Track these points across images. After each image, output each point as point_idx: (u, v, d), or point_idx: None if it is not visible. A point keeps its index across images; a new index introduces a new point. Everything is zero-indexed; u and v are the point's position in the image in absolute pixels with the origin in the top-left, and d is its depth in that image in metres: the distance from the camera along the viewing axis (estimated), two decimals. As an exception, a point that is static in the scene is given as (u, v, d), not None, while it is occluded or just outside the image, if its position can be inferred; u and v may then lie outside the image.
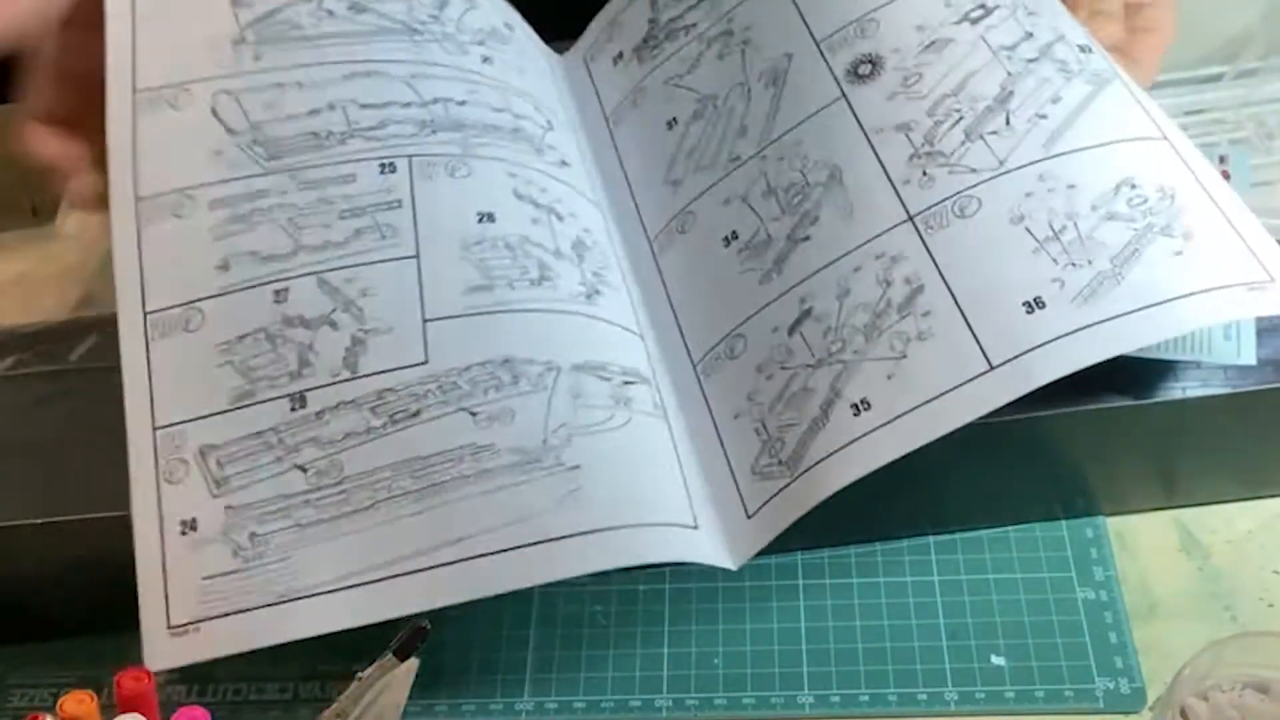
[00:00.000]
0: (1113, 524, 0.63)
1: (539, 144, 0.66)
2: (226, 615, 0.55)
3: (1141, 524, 0.63)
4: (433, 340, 0.59)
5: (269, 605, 0.55)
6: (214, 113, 0.63)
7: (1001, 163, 0.58)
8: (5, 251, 0.77)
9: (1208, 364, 0.60)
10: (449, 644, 0.61)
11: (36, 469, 0.62)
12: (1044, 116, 0.59)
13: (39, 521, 0.59)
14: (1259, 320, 0.61)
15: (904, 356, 0.56)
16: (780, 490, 0.57)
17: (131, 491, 0.58)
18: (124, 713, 0.50)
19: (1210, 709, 0.53)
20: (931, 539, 0.63)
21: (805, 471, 0.56)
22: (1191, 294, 0.54)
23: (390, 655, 0.51)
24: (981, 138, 0.59)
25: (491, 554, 0.55)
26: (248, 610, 0.55)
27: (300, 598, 0.55)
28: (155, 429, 0.59)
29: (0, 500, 0.60)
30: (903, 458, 0.60)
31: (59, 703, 0.50)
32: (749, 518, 0.57)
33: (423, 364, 0.58)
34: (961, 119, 0.60)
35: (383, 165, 0.62)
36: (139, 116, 0.63)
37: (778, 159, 0.63)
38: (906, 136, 0.60)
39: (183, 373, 0.59)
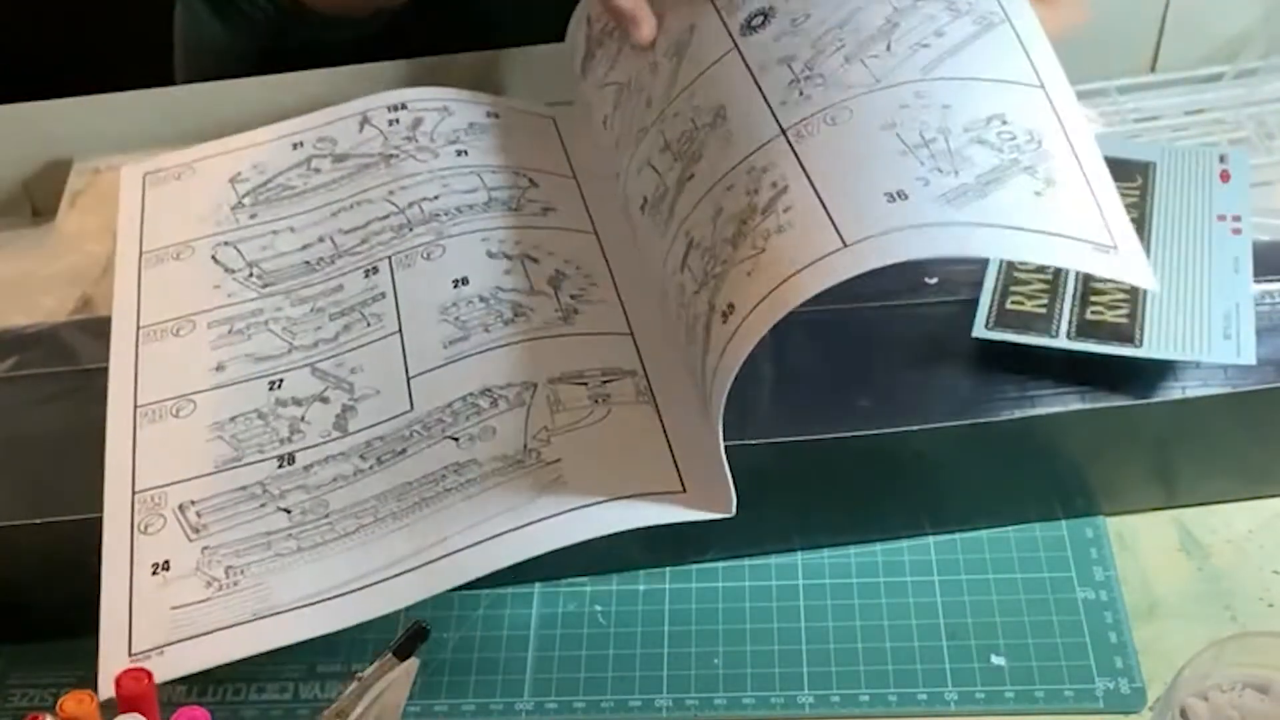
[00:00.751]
0: (1113, 524, 0.63)
1: (515, 204, 0.69)
2: (194, 638, 0.56)
3: (1141, 524, 0.63)
4: (416, 391, 0.61)
5: (241, 624, 0.56)
6: (214, 259, 0.69)
7: (878, 80, 0.58)
8: (5, 251, 0.77)
9: (1207, 364, 0.60)
10: (449, 644, 0.61)
11: (36, 469, 0.62)
12: (926, 45, 0.59)
13: (39, 521, 0.59)
14: (1259, 320, 0.61)
15: (763, 251, 0.55)
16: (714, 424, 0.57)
17: (104, 541, 0.58)
18: (124, 713, 0.50)
19: (1210, 709, 0.53)
20: (931, 539, 0.63)
21: (711, 395, 0.56)
22: (1045, 232, 0.54)
23: (390, 655, 0.51)
24: (861, 61, 0.59)
25: (478, 543, 0.56)
26: (217, 630, 0.56)
27: (276, 613, 0.56)
28: (135, 492, 0.60)
29: (0, 500, 0.60)
30: (902, 458, 0.60)
31: (59, 703, 0.50)
32: (721, 465, 0.57)
33: (408, 412, 0.61)
34: (843, 46, 0.60)
35: (366, 271, 0.67)
36: (144, 270, 0.69)
37: (673, 116, 0.64)
38: (789, 67, 0.61)
39: (169, 448, 0.62)
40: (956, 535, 0.63)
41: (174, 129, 0.78)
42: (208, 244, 0.70)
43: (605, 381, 0.61)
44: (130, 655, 0.55)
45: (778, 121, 0.59)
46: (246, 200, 0.72)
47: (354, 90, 0.76)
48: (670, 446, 0.59)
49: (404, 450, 0.59)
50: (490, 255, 0.66)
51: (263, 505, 0.59)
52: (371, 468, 0.59)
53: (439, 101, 0.75)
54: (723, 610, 0.61)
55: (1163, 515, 0.63)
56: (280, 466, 0.60)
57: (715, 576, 0.62)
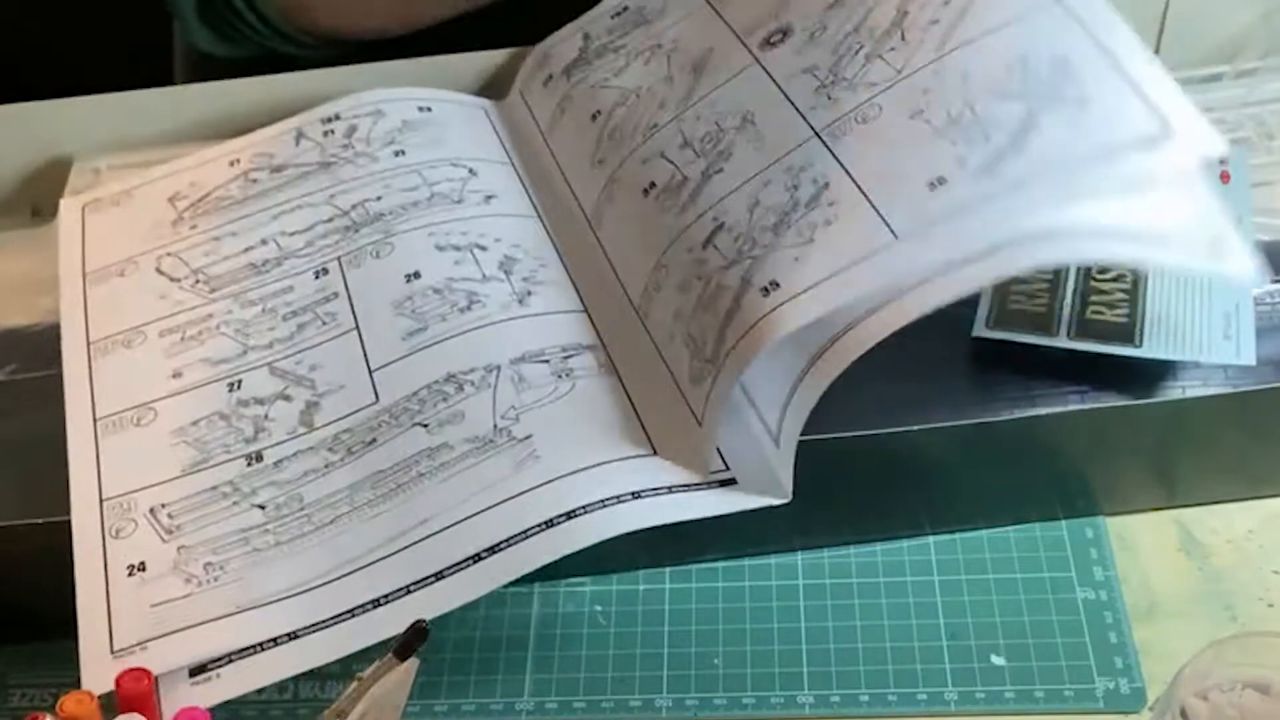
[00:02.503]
0: (1113, 524, 0.63)
1: (458, 196, 0.70)
2: (177, 632, 0.55)
3: (1141, 524, 0.63)
4: (380, 383, 0.62)
5: (224, 616, 0.56)
6: (157, 270, 0.69)
7: (899, 71, 0.60)
8: (5, 251, 0.77)
9: (1207, 364, 0.61)
10: (449, 644, 0.61)
11: (37, 469, 0.62)
12: (935, 21, 0.60)
13: (39, 521, 0.59)
14: (1259, 320, 0.62)
15: (811, 241, 0.56)
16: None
17: (74, 551, 0.58)
18: (124, 713, 0.50)
19: (1210, 709, 0.53)
20: (931, 539, 0.63)
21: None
22: (1088, 160, 0.54)
23: (390, 655, 0.51)
24: (880, 57, 0.61)
25: (458, 522, 0.56)
26: (200, 624, 0.56)
27: (260, 605, 0.56)
28: (103, 500, 0.60)
29: (1, 500, 0.60)
30: (902, 457, 0.60)
31: (59, 703, 0.50)
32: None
33: (374, 404, 0.61)
34: (862, 48, 0.61)
35: (316, 273, 0.67)
36: (89, 289, 0.69)
37: (694, 119, 0.65)
38: (813, 75, 0.62)
39: (133, 456, 0.61)
40: (956, 535, 0.63)
41: (174, 129, 0.78)
42: (150, 258, 0.70)
43: (567, 357, 0.62)
44: (112, 653, 0.55)
45: (810, 125, 0.60)
46: (186, 214, 0.72)
47: (351, 88, 0.76)
48: (637, 412, 0.60)
49: (373, 440, 0.60)
50: (439, 248, 0.66)
51: (235, 503, 0.59)
52: (342, 459, 0.60)
53: (371, 105, 0.75)
54: (723, 610, 0.62)
55: (1163, 515, 0.64)
56: (249, 465, 0.60)
57: (715, 576, 0.62)
